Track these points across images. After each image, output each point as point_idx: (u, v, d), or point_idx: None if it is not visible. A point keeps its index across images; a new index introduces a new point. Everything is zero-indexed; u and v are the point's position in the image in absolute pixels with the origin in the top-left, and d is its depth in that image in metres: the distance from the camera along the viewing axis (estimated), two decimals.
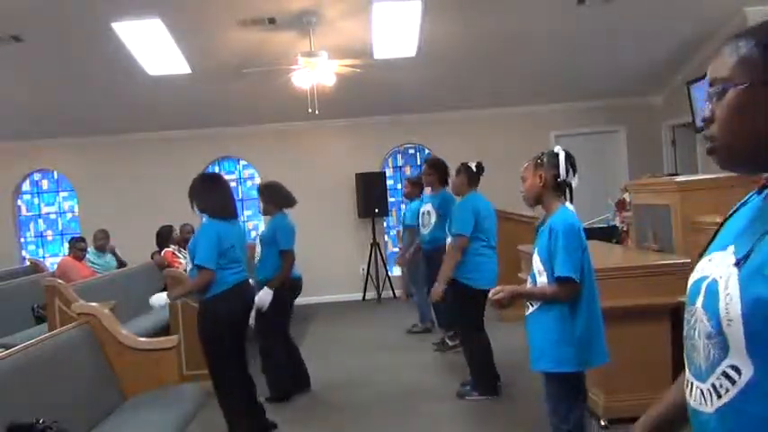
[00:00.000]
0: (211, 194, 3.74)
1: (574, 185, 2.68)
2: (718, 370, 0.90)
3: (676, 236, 3.88)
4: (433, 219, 5.45)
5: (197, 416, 3.35)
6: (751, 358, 0.86)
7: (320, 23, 6.15)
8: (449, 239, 4.44)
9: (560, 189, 2.65)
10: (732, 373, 0.89)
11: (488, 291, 4.24)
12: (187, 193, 3.76)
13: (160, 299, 3.74)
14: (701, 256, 1.02)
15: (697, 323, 0.95)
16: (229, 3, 5.78)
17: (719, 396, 0.90)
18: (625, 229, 5.89)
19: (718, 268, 0.93)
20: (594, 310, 2.62)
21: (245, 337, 3.86)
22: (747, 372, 0.87)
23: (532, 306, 2.68)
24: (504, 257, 5.38)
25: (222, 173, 9.14)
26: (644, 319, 3.45)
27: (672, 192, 3.99)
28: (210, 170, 9.01)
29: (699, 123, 0.98)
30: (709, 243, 1.02)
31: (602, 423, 3.54)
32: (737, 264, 0.88)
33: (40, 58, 6.40)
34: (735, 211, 1.03)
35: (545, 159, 2.67)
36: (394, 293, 8.56)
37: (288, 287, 4.52)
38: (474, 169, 4.46)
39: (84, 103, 7.55)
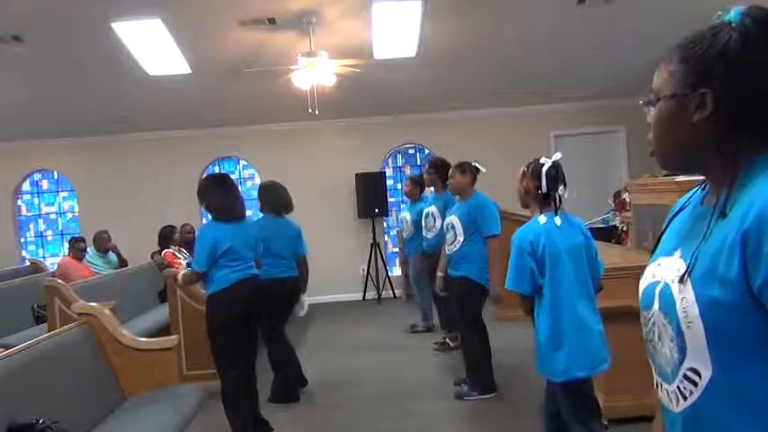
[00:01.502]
0: (216, 195, 3.78)
1: (565, 196, 2.72)
2: (680, 373, 0.94)
3: None
4: (438, 222, 5.35)
5: (197, 416, 3.34)
6: (711, 359, 0.88)
7: (320, 23, 6.15)
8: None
9: (546, 199, 2.71)
10: (692, 375, 0.92)
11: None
12: (196, 192, 3.86)
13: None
14: (651, 258, 1.06)
15: (656, 327, 0.99)
16: (229, 3, 5.78)
17: (685, 398, 0.94)
18: (625, 229, 5.89)
19: (668, 272, 0.97)
20: (564, 316, 2.64)
21: (253, 335, 3.87)
22: (707, 373, 0.89)
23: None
24: (504, 257, 5.39)
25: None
26: None
27: (672, 192, 3.98)
28: (210, 170, 9.03)
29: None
30: (656, 245, 1.06)
31: (602, 423, 3.54)
32: (688, 271, 0.92)
33: (40, 58, 6.40)
34: (678, 212, 1.08)
35: (530, 169, 2.76)
36: (394, 293, 8.56)
37: (270, 288, 4.32)
38: (482, 169, 4.48)
39: (84, 103, 7.55)
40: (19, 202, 9.14)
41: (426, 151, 9.02)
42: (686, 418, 0.94)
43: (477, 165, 4.49)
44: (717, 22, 0.98)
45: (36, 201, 9.22)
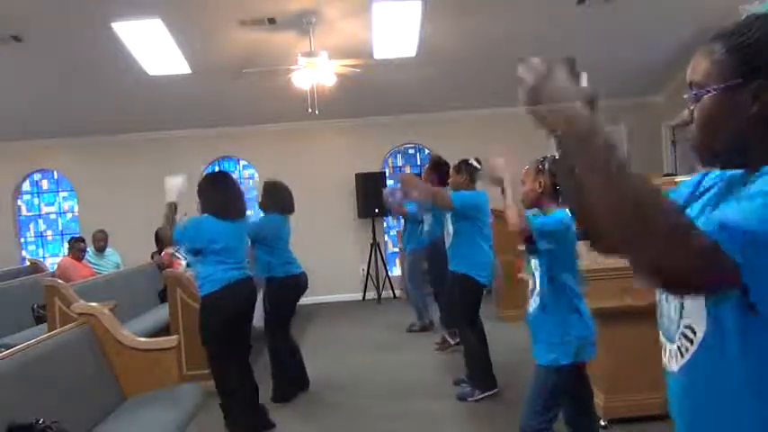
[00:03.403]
0: (215, 194, 3.77)
1: None
2: (679, 330, 0.98)
3: None
4: (428, 217, 5.57)
5: (197, 416, 3.34)
6: (705, 315, 0.92)
7: (320, 23, 6.15)
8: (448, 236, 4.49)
9: (558, 195, 2.68)
10: (688, 332, 0.96)
11: (488, 285, 4.34)
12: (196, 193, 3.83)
13: (178, 183, 3.73)
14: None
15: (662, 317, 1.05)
16: (229, 3, 5.78)
17: (682, 355, 0.98)
18: None
19: None
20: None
21: (247, 336, 3.88)
22: (701, 331, 0.93)
23: (533, 305, 2.72)
24: (504, 257, 5.40)
25: None
26: (644, 319, 3.44)
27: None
28: (211, 170, 9.03)
29: (675, 122, 1.07)
30: None
31: (602, 423, 3.54)
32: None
33: (40, 58, 6.40)
34: (701, 195, 1.08)
35: (547, 165, 2.68)
36: (394, 293, 8.56)
37: (289, 285, 4.52)
38: (477, 166, 4.46)
39: (85, 103, 7.55)
40: (19, 202, 9.14)
41: (426, 151, 9.02)
42: (683, 376, 0.98)
43: (474, 163, 4.48)
44: (760, 12, 0.96)
45: (36, 201, 9.22)
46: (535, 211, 2.81)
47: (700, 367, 0.95)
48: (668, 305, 1.02)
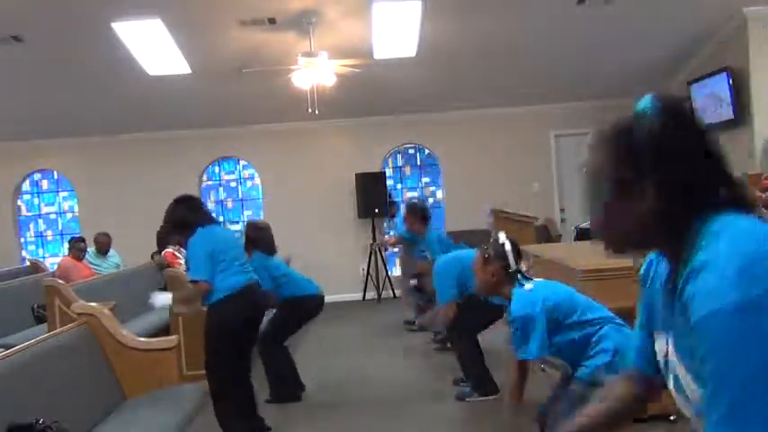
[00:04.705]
0: (189, 211, 3.71)
1: (524, 269, 2.73)
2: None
3: None
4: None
5: (197, 416, 3.34)
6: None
7: (320, 23, 6.15)
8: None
9: (512, 277, 2.69)
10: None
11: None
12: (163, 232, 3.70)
13: (163, 299, 3.69)
14: (644, 323, 1.16)
15: (678, 398, 1.04)
16: (229, 3, 5.78)
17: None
18: None
19: (664, 349, 1.05)
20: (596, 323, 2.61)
21: (252, 341, 3.87)
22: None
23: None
24: None
25: (222, 173, 9.17)
26: None
27: None
28: (211, 170, 9.06)
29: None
30: (641, 314, 1.17)
31: None
32: (677, 356, 0.98)
33: (40, 58, 6.40)
34: (650, 284, 1.14)
35: (492, 253, 2.72)
36: (394, 293, 8.56)
37: (297, 307, 4.63)
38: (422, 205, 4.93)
39: (84, 103, 7.55)
40: (19, 202, 9.14)
41: (426, 151, 9.02)
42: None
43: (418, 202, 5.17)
44: (638, 110, 1.03)
45: (36, 201, 9.22)
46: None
47: None
48: (688, 405, 1.00)
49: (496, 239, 2.76)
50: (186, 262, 3.61)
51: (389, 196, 7.53)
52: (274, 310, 4.62)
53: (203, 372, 3.78)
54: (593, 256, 3.40)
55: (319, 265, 7.78)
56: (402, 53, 6.87)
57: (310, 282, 4.79)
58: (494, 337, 4.48)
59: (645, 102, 1.02)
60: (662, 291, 1.06)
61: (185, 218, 3.67)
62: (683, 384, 0.99)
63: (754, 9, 6.26)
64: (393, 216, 7.16)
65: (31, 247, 9.18)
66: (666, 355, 1.04)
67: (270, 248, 4.66)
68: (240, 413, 3.74)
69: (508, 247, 2.69)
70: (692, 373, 0.93)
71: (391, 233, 8.13)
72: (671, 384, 1.05)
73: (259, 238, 4.63)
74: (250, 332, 3.78)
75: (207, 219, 3.75)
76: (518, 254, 2.72)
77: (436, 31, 6.41)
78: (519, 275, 2.70)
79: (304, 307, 4.68)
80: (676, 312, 0.95)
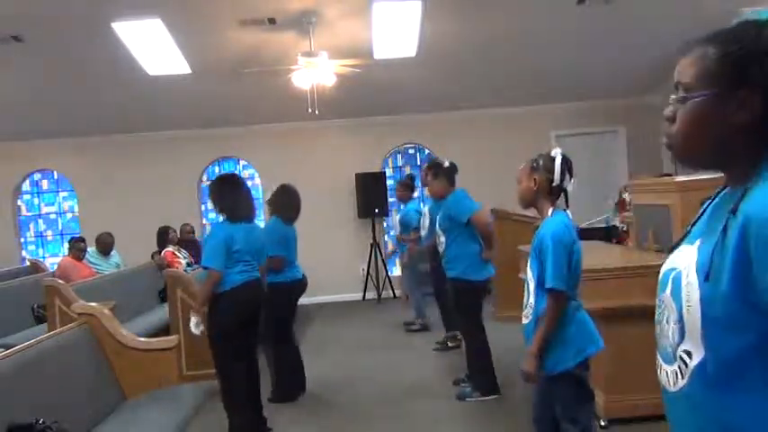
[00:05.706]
0: (227, 195, 3.80)
1: (570, 190, 2.64)
2: (678, 353, 0.99)
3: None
4: (427, 221, 5.57)
5: (197, 416, 3.35)
6: (704, 343, 0.93)
7: (320, 23, 6.15)
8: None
9: (555, 193, 2.62)
10: (685, 357, 0.97)
11: (485, 281, 4.32)
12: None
13: (196, 324, 3.75)
14: (672, 248, 1.09)
15: (666, 310, 1.03)
16: (229, 3, 5.78)
17: (680, 379, 0.99)
18: (625, 229, 5.89)
19: (684, 260, 1.01)
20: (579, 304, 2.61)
21: (255, 336, 3.88)
22: (698, 356, 0.94)
23: (527, 318, 2.69)
24: (503, 257, 5.40)
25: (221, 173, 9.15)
26: (644, 319, 3.43)
27: (672, 192, 3.98)
28: (211, 170, 9.04)
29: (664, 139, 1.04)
30: (683, 236, 1.09)
31: (602, 423, 3.54)
32: (697, 262, 0.96)
33: (40, 58, 6.40)
34: (707, 207, 1.09)
35: (541, 163, 2.64)
36: (394, 293, 8.56)
37: (287, 289, 4.52)
38: (446, 163, 4.60)
39: (84, 103, 7.55)
40: (19, 202, 9.14)
41: (426, 151, 9.02)
42: (681, 398, 0.99)
43: (445, 162, 4.60)
44: (755, 19, 0.96)
45: (36, 201, 9.22)
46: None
47: (697, 391, 0.95)
48: (668, 326, 1.02)
49: (549, 152, 2.68)
50: (198, 249, 3.71)
51: (411, 178, 6.93)
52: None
53: (203, 371, 3.80)
54: (592, 255, 3.41)
55: (319, 265, 7.80)
56: (402, 53, 6.87)
57: (298, 266, 4.72)
58: (496, 338, 4.48)
59: (764, 13, 0.98)
60: (716, 206, 1.04)
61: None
62: (672, 308, 1.00)
63: (754, 9, 6.26)
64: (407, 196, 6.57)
65: (31, 247, 9.18)
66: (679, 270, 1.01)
67: (288, 216, 4.60)
68: (244, 407, 3.75)
69: (559, 160, 2.60)
70: (701, 290, 0.93)
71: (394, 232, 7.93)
72: (660, 307, 1.06)
73: (280, 203, 4.63)
74: (247, 326, 3.79)
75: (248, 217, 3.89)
76: (568, 172, 2.62)
77: (436, 31, 6.41)
78: (562, 193, 2.62)
79: (291, 295, 4.62)
80: (725, 228, 0.93)
